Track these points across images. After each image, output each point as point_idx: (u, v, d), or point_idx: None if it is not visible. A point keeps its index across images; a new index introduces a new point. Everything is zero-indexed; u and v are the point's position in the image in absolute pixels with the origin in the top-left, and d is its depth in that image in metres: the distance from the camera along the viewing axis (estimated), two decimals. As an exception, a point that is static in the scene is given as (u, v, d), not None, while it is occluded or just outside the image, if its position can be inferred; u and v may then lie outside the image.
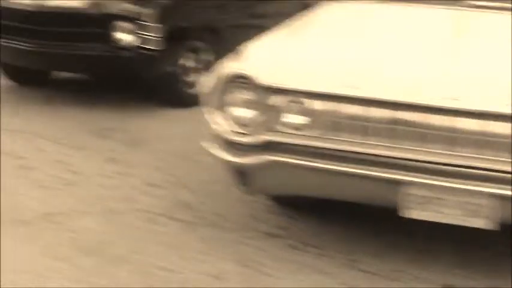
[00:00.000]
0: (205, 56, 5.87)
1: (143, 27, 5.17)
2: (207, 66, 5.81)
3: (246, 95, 3.03)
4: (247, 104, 3.03)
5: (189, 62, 5.74)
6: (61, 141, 4.93)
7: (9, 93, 6.21)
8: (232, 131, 3.05)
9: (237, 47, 3.33)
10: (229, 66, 3.13)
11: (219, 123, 3.07)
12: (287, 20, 3.88)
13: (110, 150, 4.76)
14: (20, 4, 5.55)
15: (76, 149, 4.77)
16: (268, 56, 3.20)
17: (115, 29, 5.24)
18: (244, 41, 6.60)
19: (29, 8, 5.46)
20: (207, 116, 3.12)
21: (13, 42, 5.57)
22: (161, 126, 5.34)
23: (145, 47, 5.19)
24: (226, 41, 6.03)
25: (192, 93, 5.73)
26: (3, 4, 5.64)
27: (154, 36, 5.16)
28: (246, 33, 6.63)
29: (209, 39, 5.88)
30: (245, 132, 3.04)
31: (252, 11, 6.64)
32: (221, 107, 3.07)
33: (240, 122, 3.05)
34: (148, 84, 5.76)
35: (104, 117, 5.50)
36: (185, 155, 4.64)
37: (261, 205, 3.76)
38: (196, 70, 5.80)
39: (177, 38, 5.41)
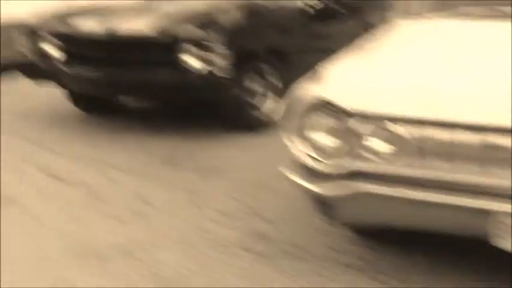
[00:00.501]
0: (272, 79, 5.80)
1: (211, 52, 5.09)
2: (274, 89, 5.80)
3: (328, 121, 2.90)
4: (329, 130, 2.90)
5: (255, 85, 5.65)
6: (131, 170, 4.89)
7: (77, 120, 6.28)
8: (313, 158, 2.93)
9: (313, 70, 3.20)
10: (309, 90, 3.01)
11: (299, 149, 2.95)
12: (355, 40, 3.73)
13: (182, 179, 4.69)
14: (87, 32, 5.58)
15: (147, 179, 4.71)
16: (349, 80, 3.06)
17: (183, 55, 5.17)
18: (310, 63, 6.55)
19: (96, 36, 5.47)
20: (286, 142, 3.00)
21: (80, 70, 5.58)
22: (231, 152, 5.26)
23: (213, 72, 5.11)
24: (291, 64, 5.98)
25: (259, 117, 5.74)
26: (70, 31, 5.67)
27: (222, 61, 5.09)
28: (311, 56, 6.64)
29: (274, 61, 5.80)
30: (327, 159, 2.91)
31: (315, 32, 6.55)
32: (301, 132, 2.95)
33: (321, 148, 2.92)
34: (215, 109, 5.69)
35: (172, 145, 5.45)
36: (259, 182, 4.54)
37: (341, 235, 3.61)
38: (263, 93, 5.75)
39: (245, 61, 5.33)
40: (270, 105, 5.82)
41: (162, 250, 3.62)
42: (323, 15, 6.69)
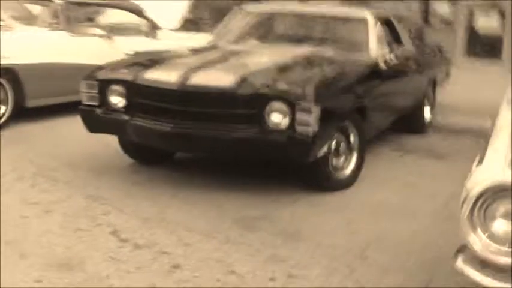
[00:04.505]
0: (352, 138, 5.37)
1: (298, 109, 4.61)
2: (356, 149, 5.41)
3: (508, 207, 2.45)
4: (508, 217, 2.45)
5: (340, 145, 5.24)
6: (204, 232, 4.38)
7: (138, 173, 5.75)
8: (490, 250, 2.46)
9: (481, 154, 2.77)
10: (484, 176, 2.55)
11: (473, 239, 2.49)
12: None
13: (265, 245, 4.19)
14: (159, 82, 5.09)
15: (226, 243, 4.21)
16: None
17: (266, 111, 4.71)
18: (383, 121, 6.17)
19: (169, 86, 4.98)
20: (463, 233, 2.55)
21: (149, 122, 5.09)
22: (312, 214, 4.79)
23: (300, 130, 4.63)
24: (368, 122, 5.58)
25: (342, 178, 5.35)
26: (139, 81, 5.20)
27: (309, 119, 4.60)
28: (384, 113, 6.26)
29: (357, 120, 5.38)
30: (504, 250, 2.44)
31: (388, 89, 6.19)
32: (477, 220, 2.50)
33: (499, 238, 2.46)
34: (292, 167, 5.23)
35: (245, 203, 4.96)
36: (349, 249, 4.12)
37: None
38: (346, 153, 5.36)
39: (331, 120, 4.90)
40: (352, 165, 5.41)
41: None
42: (396, 72, 6.36)
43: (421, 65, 7.36)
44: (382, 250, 4.16)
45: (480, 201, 2.48)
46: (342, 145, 5.28)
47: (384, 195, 5.29)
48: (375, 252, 4.11)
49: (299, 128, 4.64)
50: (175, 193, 5.19)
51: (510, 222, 2.47)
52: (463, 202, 2.51)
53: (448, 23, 13.53)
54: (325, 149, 4.95)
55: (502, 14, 12.55)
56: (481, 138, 6.78)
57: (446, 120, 8.32)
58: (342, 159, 5.32)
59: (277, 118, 4.70)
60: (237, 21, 7.05)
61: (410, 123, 7.40)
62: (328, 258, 4.00)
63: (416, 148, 7.01)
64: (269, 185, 5.43)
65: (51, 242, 4.18)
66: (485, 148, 2.81)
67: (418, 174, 5.98)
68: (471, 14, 13.06)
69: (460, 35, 13.13)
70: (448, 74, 8.82)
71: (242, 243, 4.23)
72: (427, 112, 7.81)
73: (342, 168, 5.35)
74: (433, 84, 8.00)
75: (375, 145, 6.67)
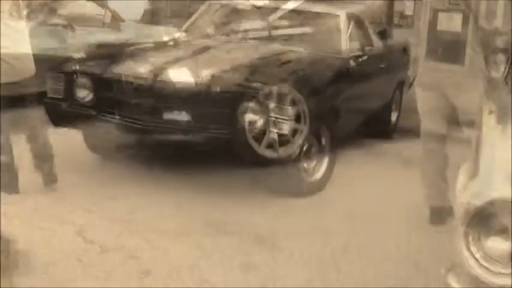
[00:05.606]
0: (324, 140, 5.27)
1: (272, 109, 4.52)
2: (328, 152, 5.29)
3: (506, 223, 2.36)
4: (505, 235, 2.37)
5: (313, 147, 5.14)
6: (178, 237, 4.24)
7: (104, 170, 5.56)
8: (482, 267, 2.37)
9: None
10: (485, 190, 2.45)
11: (467, 255, 2.40)
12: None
13: (240, 251, 4.07)
14: (128, 76, 4.91)
15: (199, 249, 4.06)
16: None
17: (240, 109, 4.54)
18: (353, 123, 6.05)
19: (138, 81, 4.82)
20: (457, 247, 2.44)
21: (118, 118, 4.93)
22: (284, 218, 4.68)
23: (274, 131, 4.53)
24: (340, 124, 5.49)
25: (312, 183, 5.24)
26: (108, 75, 5.01)
27: (284, 119, 4.52)
28: (354, 115, 6.17)
29: (328, 121, 5.28)
30: (498, 269, 2.36)
31: (358, 90, 6.09)
32: (472, 236, 2.41)
33: (492, 256, 2.38)
34: (263, 170, 5.11)
35: (216, 206, 4.81)
36: (331, 261, 4.00)
37: None
38: (319, 157, 5.26)
39: (304, 120, 4.77)
40: (323, 169, 5.31)
41: None
42: (366, 71, 6.27)
43: (389, 65, 7.29)
44: (358, 260, 4.06)
45: (477, 217, 2.39)
46: (314, 148, 5.18)
47: (356, 200, 5.18)
48: (352, 263, 4.01)
49: (272, 128, 4.54)
50: (143, 193, 5.02)
51: (507, 239, 2.38)
52: (460, 217, 2.41)
53: (411, 23, 13.51)
54: (298, 152, 4.84)
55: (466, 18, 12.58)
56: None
57: (411, 123, 8.25)
58: (313, 162, 5.22)
59: (248, 117, 4.54)
60: (208, 15, 6.90)
61: (377, 126, 7.31)
62: (303, 268, 3.90)
63: (384, 152, 6.93)
64: (238, 186, 5.27)
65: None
66: (476, 160, 2.70)
67: (388, 179, 5.89)
68: (435, 16, 13.06)
69: (423, 36, 13.12)
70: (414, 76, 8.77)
71: (216, 249, 4.10)
72: (394, 115, 7.76)
73: (313, 171, 5.24)
74: (400, 86, 7.94)
75: (342, 148, 6.57)
